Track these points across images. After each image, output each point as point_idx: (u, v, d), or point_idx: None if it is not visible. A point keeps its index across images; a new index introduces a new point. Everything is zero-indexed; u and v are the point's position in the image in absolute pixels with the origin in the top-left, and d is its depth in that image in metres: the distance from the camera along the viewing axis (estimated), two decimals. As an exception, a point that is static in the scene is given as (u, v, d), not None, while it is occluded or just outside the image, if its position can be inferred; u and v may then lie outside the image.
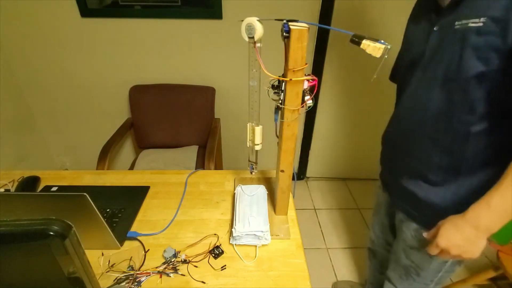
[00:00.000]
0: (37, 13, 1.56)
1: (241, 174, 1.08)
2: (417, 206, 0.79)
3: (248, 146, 0.84)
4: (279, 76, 0.65)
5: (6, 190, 0.98)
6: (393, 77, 0.95)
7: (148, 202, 0.96)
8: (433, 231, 0.71)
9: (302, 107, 0.67)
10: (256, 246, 0.81)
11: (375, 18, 1.64)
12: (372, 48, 0.51)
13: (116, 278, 0.72)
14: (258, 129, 0.78)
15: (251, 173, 0.93)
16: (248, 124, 0.80)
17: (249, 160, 0.90)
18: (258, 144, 0.81)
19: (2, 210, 0.67)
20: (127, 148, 2.09)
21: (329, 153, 2.18)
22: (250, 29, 0.61)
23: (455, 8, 0.62)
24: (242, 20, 0.61)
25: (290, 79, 0.63)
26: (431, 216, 0.74)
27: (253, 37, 0.62)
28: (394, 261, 0.94)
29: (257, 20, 0.60)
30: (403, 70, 0.80)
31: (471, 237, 0.64)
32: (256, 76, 0.69)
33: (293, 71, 0.62)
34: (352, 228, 1.90)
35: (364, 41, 0.52)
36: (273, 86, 0.68)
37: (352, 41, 0.54)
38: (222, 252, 0.79)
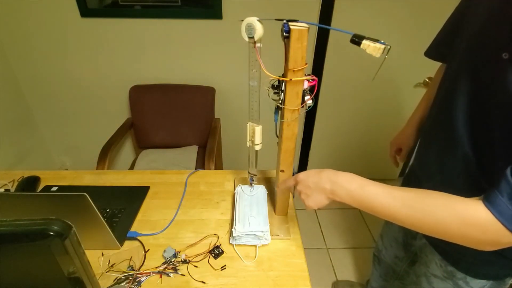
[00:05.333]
0: (37, 13, 1.56)
1: (241, 174, 1.08)
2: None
3: (248, 146, 0.84)
4: (279, 76, 0.65)
5: (6, 190, 0.98)
6: (435, 54, 0.84)
7: (148, 202, 0.96)
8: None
9: (302, 107, 0.67)
10: (256, 246, 0.81)
11: (375, 18, 1.64)
12: (372, 48, 0.51)
13: (116, 278, 0.72)
14: (258, 129, 0.78)
15: (251, 184, 0.92)
16: (248, 124, 0.80)
17: (249, 172, 0.90)
18: (258, 144, 0.81)
19: (2, 210, 0.67)
20: (127, 148, 2.09)
21: (329, 153, 2.18)
22: (250, 29, 0.61)
23: None
24: (242, 20, 0.61)
25: (290, 79, 0.63)
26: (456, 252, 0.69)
27: (253, 37, 0.62)
28: (414, 283, 0.90)
29: (257, 20, 0.60)
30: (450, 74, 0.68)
31: (320, 186, 0.62)
32: (256, 76, 0.69)
33: (293, 71, 0.61)
34: (352, 228, 1.90)
35: (364, 41, 0.52)
36: (273, 86, 0.67)
37: (352, 41, 0.54)
38: (222, 252, 0.79)
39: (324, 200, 0.63)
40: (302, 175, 0.67)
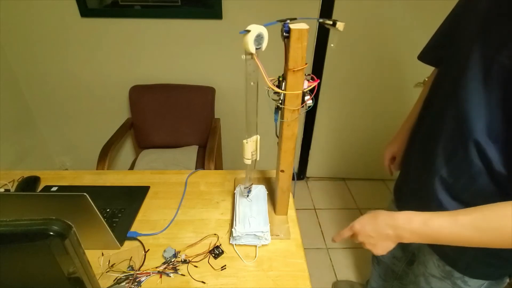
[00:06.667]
0: (37, 13, 1.56)
1: (241, 174, 1.08)
2: None
3: (249, 163, 0.79)
4: (280, 85, 0.65)
5: (6, 190, 0.98)
6: (432, 58, 0.84)
7: (148, 202, 0.96)
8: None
9: (302, 107, 0.67)
10: (256, 246, 0.81)
11: (375, 18, 1.64)
12: (342, 25, 0.59)
13: (116, 278, 0.72)
14: (258, 139, 0.77)
15: (247, 196, 0.91)
16: (245, 141, 0.76)
17: (244, 188, 0.88)
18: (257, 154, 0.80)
19: (2, 210, 0.67)
20: (127, 148, 2.09)
21: (329, 153, 2.18)
22: (259, 39, 0.57)
23: None
24: (246, 30, 0.56)
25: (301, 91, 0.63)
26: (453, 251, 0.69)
27: (260, 48, 0.59)
28: (412, 282, 0.90)
29: (264, 26, 0.57)
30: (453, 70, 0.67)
31: (382, 234, 0.63)
32: (254, 88, 0.67)
33: (293, 71, 0.62)
34: (352, 228, 1.89)
35: (338, 22, 0.59)
36: (273, 86, 0.68)
37: (333, 24, 0.60)
38: (222, 252, 0.79)
39: (391, 245, 0.64)
40: (357, 225, 0.67)
